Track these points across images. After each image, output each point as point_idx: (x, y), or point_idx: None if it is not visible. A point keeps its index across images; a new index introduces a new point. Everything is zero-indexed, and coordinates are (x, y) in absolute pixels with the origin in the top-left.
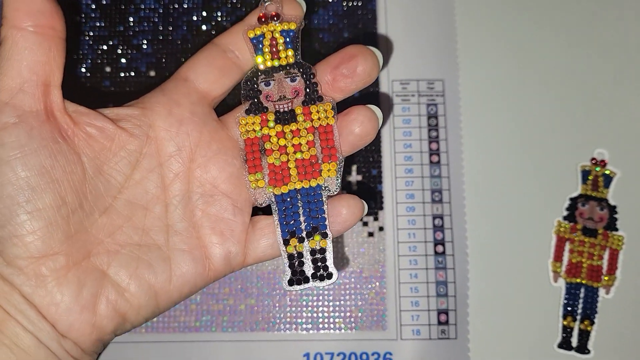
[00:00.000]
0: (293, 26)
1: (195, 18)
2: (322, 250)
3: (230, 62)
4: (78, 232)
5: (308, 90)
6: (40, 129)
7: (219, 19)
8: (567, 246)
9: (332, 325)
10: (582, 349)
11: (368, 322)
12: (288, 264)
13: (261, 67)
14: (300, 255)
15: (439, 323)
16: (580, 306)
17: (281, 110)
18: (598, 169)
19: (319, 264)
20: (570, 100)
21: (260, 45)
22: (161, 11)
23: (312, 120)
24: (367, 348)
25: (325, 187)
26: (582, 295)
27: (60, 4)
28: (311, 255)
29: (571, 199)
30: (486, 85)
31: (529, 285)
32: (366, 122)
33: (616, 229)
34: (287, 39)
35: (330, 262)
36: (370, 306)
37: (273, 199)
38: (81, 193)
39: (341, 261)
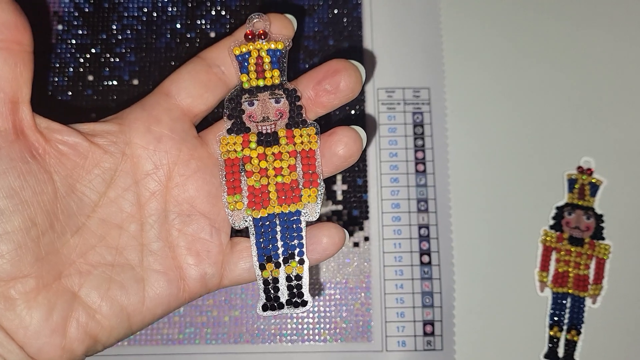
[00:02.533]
0: (280, 46)
1: (179, 26)
2: (298, 277)
3: (216, 77)
4: (49, 253)
5: (292, 113)
6: (8, 149)
7: (203, 27)
8: (554, 255)
9: (317, 337)
10: (569, 359)
11: (353, 334)
12: (263, 289)
13: (245, 86)
14: (276, 280)
15: (425, 334)
16: (566, 316)
17: (264, 131)
18: (584, 177)
19: (295, 290)
20: (556, 108)
21: (246, 64)
22: (145, 19)
23: (294, 144)
24: None
25: (304, 213)
26: (568, 305)
27: (43, 11)
28: (287, 281)
29: (557, 208)
30: (472, 94)
31: (516, 295)
32: (350, 144)
33: (602, 238)
34: (274, 59)
35: (305, 289)
36: (355, 317)
37: (251, 222)
38: (52, 213)
39: (317, 287)
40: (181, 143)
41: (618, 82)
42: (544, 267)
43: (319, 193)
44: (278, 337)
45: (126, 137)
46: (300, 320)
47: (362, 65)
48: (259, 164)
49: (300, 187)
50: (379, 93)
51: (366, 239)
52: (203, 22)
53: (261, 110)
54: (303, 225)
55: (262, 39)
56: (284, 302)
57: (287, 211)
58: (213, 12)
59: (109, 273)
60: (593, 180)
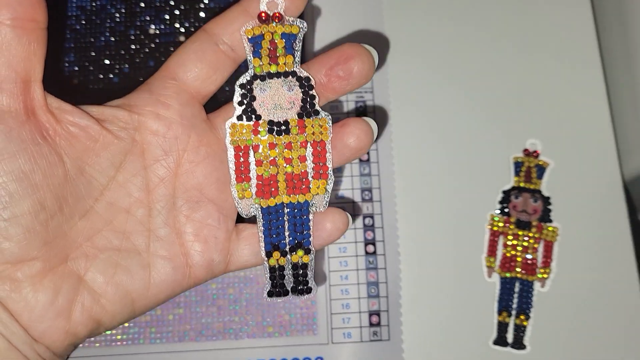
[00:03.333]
0: (295, 30)
1: (119, 23)
2: (304, 265)
3: (224, 55)
4: (57, 237)
5: (305, 102)
6: (19, 130)
7: (143, 24)
8: (501, 240)
9: (262, 333)
10: (518, 344)
11: (298, 327)
12: (269, 276)
13: (258, 71)
14: (282, 268)
15: (371, 325)
16: (515, 301)
17: (275, 120)
18: (531, 159)
19: (300, 278)
20: (500, 91)
21: (258, 47)
22: (83, 18)
23: (305, 134)
24: (298, 354)
25: (312, 204)
26: (517, 289)
27: None
28: (293, 269)
29: (504, 192)
30: (416, 80)
31: (463, 282)
32: (362, 136)
33: (550, 221)
34: (288, 44)
35: (310, 277)
36: (300, 310)
37: (259, 211)
38: (61, 196)
39: (322, 275)
40: (190, 129)
41: (561, 62)
42: (491, 252)
43: (328, 185)
44: (223, 333)
45: (136, 123)
46: (244, 316)
47: (375, 50)
48: (268, 153)
49: (309, 178)
50: None
51: None
52: (143, 18)
53: (273, 98)
54: (311, 216)
55: (277, 22)
56: (289, 289)
57: (296, 202)
58: (152, 8)
59: (115, 258)
60: (540, 163)
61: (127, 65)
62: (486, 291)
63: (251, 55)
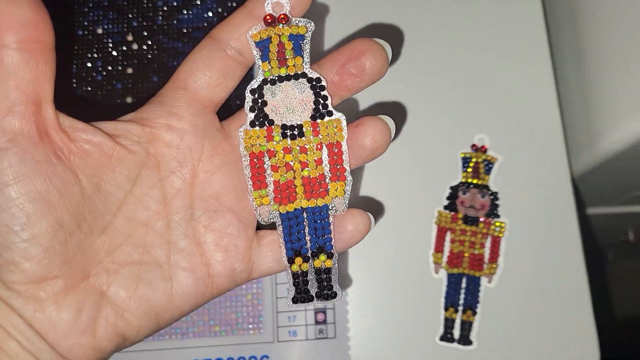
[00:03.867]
0: (303, 30)
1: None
2: (327, 270)
3: (232, 61)
4: (76, 254)
5: (317, 103)
6: (33, 152)
7: (83, 28)
8: (449, 236)
9: (209, 332)
10: (465, 340)
11: (245, 326)
12: (293, 282)
13: (267, 75)
14: (305, 274)
15: (317, 322)
16: (462, 297)
17: (288, 124)
18: (479, 155)
19: (324, 283)
20: (448, 86)
21: (266, 51)
22: None
23: (320, 136)
24: (244, 352)
25: (332, 207)
26: (464, 285)
27: None
28: (316, 274)
29: (452, 188)
30: None
31: (411, 278)
32: (378, 135)
33: (498, 216)
34: (296, 46)
35: (335, 282)
36: (247, 309)
37: (278, 217)
38: (79, 214)
39: (347, 279)
40: (204, 139)
41: (509, 57)
42: (439, 248)
43: (347, 187)
44: (169, 333)
45: (149, 136)
46: (191, 315)
47: (387, 44)
48: (284, 158)
49: (327, 181)
50: None
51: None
52: (90, 18)
53: (284, 102)
54: (331, 219)
55: (283, 24)
56: (313, 294)
57: (315, 205)
58: (100, 9)
59: (137, 271)
60: (488, 158)
61: (74, 66)
62: (433, 287)
63: (259, 59)
